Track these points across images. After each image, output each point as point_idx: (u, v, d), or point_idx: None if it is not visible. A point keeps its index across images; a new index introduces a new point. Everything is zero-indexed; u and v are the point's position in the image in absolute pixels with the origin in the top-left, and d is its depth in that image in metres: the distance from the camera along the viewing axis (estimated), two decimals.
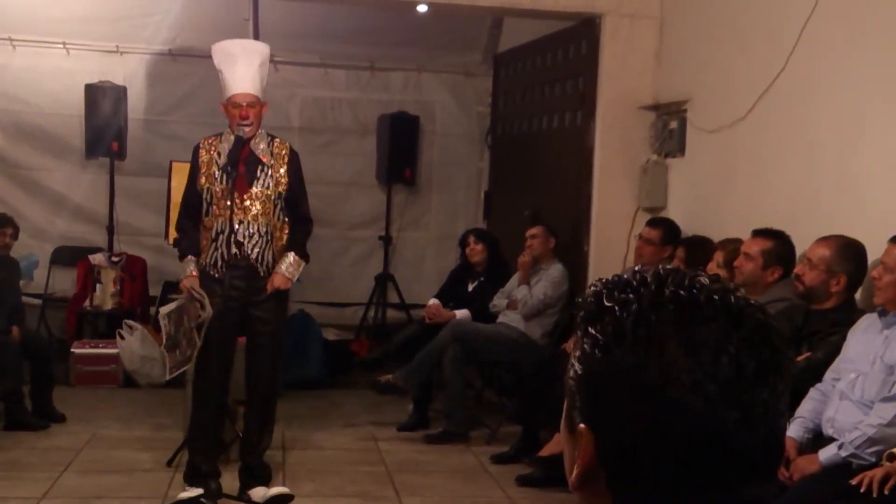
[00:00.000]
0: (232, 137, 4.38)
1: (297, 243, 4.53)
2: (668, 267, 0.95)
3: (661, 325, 0.89)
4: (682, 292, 0.91)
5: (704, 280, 0.92)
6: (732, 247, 4.36)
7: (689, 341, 0.88)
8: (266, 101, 4.49)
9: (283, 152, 4.48)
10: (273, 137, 4.53)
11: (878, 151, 3.95)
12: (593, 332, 0.92)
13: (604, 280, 0.97)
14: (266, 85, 4.50)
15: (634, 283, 0.93)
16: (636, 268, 0.97)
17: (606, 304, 0.93)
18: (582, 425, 0.93)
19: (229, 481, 4.57)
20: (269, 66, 4.53)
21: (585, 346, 0.93)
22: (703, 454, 0.88)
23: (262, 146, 4.44)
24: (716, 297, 0.90)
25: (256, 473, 4.59)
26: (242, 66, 4.37)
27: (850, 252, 3.68)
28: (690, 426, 0.87)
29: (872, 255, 3.51)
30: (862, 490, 3.00)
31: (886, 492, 2.96)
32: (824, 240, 3.76)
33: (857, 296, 3.81)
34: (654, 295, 0.91)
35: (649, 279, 0.93)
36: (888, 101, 3.89)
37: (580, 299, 0.97)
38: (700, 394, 0.87)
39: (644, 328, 0.90)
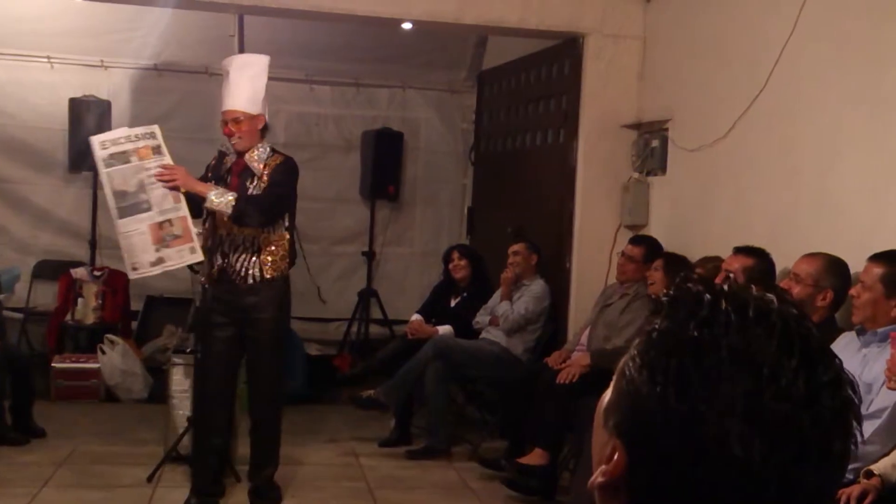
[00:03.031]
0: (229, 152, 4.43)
1: (248, 197, 4.31)
2: (778, 306, 0.86)
3: (728, 387, 0.82)
4: (763, 354, 0.83)
5: (803, 330, 0.84)
6: (712, 265, 4.40)
7: (752, 413, 0.82)
8: (261, 113, 4.46)
9: (276, 163, 4.45)
10: (274, 152, 4.51)
11: (856, 171, 4.00)
12: (659, 361, 0.85)
13: (712, 288, 0.88)
14: (264, 96, 4.48)
15: (722, 318, 0.84)
16: (745, 290, 0.88)
17: (689, 333, 0.85)
18: (618, 441, 0.89)
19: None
20: (264, 77, 4.50)
21: (646, 371, 0.86)
22: None
23: (258, 159, 4.43)
24: (799, 368, 0.83)
25: (264, 494, 4.60)
26: (231, 83, 4.40)
27: (836, 268, 3.73)
28: (727, 491, 0.83)
29: (851, 274, 3.55)
30: None
31: None
32: (811, 256, 3.80)
33: (836, 314, 3.85)
34: (734, 348, 0.83)
35: (733, 317, 0.84)
36: (866, 121, 3.94)
37: (672, 297, 0.89)
38: (746, 467, 0.82)
39: (710, 383, 0.83)
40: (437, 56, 7.85)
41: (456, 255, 6.38)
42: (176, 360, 5.24)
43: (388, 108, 8.02)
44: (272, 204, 4.39)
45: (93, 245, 7.33)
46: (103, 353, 6.55)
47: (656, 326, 0.88)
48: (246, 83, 4.40)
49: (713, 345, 0.83)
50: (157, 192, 4.07)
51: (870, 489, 3.01)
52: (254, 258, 4.40)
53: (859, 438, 0.86)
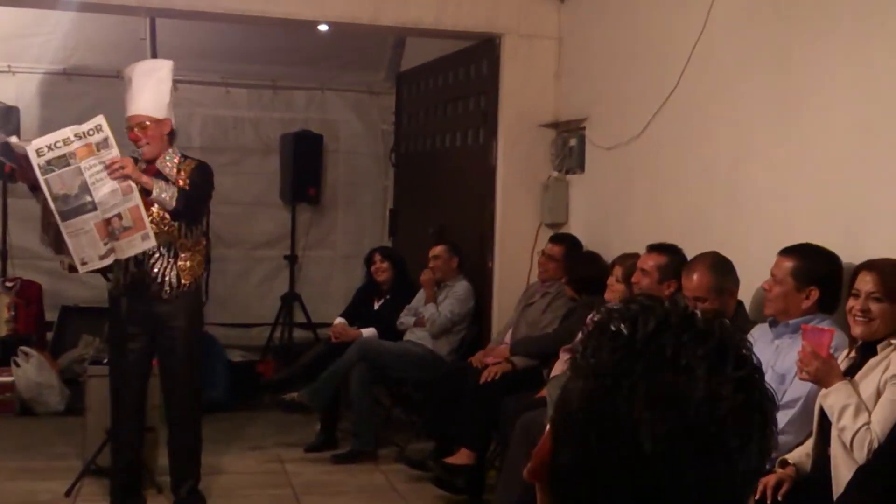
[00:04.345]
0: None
1: (186, 192, 4.27)
2: (691, 310, 0.95)
3: (633, 369, 0.90)
4: (672, 344, 0.90)
5: (715, 333, 0.92)
6: (631, 262, 4.46)
7: (653, 396, 0.89)
8: (168, 117, 4.40)
9: (190, 167, 4.40)
10: (186, 157, 4.46)
11: (766, 167, 4.09)
12: (583, 350, 0.94)
13: (633, 297, 0.99)
14: (169, 101, 4.41)
15: (638, 316, 0.93)
16: (667, 298, 0.97)
17: (610, 327, 0.93)
18: (549, 426, 0.96)
19: None
20: (169, 82, 4.44)
21: (574, 360, 0.96)
22: (628, 498, 0.89)
23: (170, 165, 4.36)
24: (709, 358, 0.90)
25: None
26: (134, 89, 4.33)
27: (724, 266, 3.84)
28: (625, 470, 0.88)
29: (764, 269, 3.62)
30: (756, 497, 3.08)
31: (780, 498, 3.06)
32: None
33: (748, 307, 3.94)
34: (647, 336, 0.91)
35: (650, 319, 0.92)
36: (776, 118, 4.04)
37: (592, 316, 0.99)
38: (640, 448, 0.88)
39: (617, 368, 0.90)
40: (355, 57, 7.82)
41: (378, 257, 6.37)
42: (93, 371, 5.13)
43: (307, 111, 7.97)
44: (202, 200, 4.39)
45: (3, 256, 7.14)
46: (17, 365, 6.38)
47: (594, 319, 0.97)
48: (150, 88, 4.33)
49: (630, 333, 0.91)
50: (104, 190, 3.96)
51: (785, 478, 3.09)
52: (171, 264, 4.33)
53: (774, 443, 0.91)
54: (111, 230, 4.03)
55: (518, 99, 5.93)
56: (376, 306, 6.35)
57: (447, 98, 6.87)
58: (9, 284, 6.84)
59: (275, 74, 7.77)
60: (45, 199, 3.98)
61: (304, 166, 7.64)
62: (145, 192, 4.12)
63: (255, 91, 7.84)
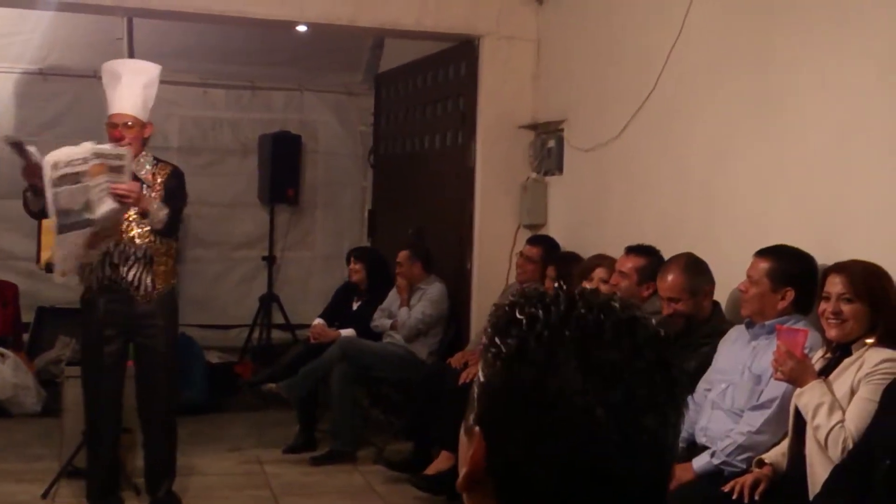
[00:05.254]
0: None
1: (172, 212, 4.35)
2: (586, 289, 0.97)
3: (562, 346, 0.91)
4: (590, 315, 0.92)
5: (616, 304, 0.94)
6: (609, 263, 4.49)
7: (586, 364, 0.90)
8: (150, 122, 4.42)
9: (165, 172, 4.43)
10: (158, 161, 4.48)
11: (743, 169, 4.13)
12: (498, 342, 0.94)
13: (521, 291, 0.99)
14: (152, 106, 4.43)
15: (547, 299, 0.94)
16: (556, 284, 1.00)
17: (517, 316, 0.94)
18: (476, 429, 0.95)
19: None
20: (156, 87, 4.46)
21: (489, 355, 0.95)
22: (586, 476, 0.89)
23: (146, 168, 4.37)
24: (622, 324, 0.92)
25: None
26: (124, 86, 4.31)
27: (697, 267, 3.87)
28: (575, 447, 0.89)
29: (740, 270, 3.65)
30: (734, 497, 3.12)
31: (757, 497, 3.09)
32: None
33: (724, 308, 3.98)
34: (563, 313, 0.93)
35: (561, 298, 0.94)
36: (753, 119, 4.07)
37: (494, 307, 0.99)
38: (588, 415, 0.89)
39: (546, 346, 0.91)
40: (334, 58, 7.82)
41: (352, 259, 6.38)
42: (70, 372, 5.10)
43: (285, 111, 7.96)
44: (180, 214, 4.48)
45: None
46: None
47: (490, 321, 0.97)
48: (139, 90, 4.33)
49: (545, 315, 0.93)
50: (103, 209, 4.01)
51: (762, 478, 3.12)
52: (146, 270, 4.34)
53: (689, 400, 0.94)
54: (95, 242, 4.10)
55: (497, 100, 5.95)
56: (355, 307, 6.34)
57: (426, 99, 6.89)
58: None
59: (253, 75, 7.75)
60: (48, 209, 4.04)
61: (282, 167, 7.64)
62: (141, 214, 4.22)
63: (234, 92, 7.82)
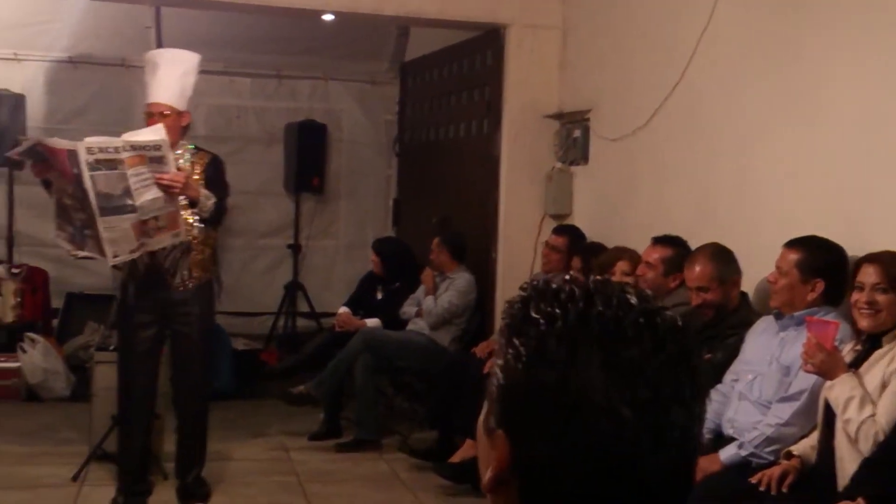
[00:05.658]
0: None
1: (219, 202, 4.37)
2: (599, 280, 0.95)
3: (583, 345, 0.89)
4: (608, 312, 0.91)
5: (633, 299, 0.92)
6: (630, 255, 4.49)
7: (609, 362, 0.89)
8: (187, 111, 4.43)
9: (204, 161, 4.44)
10: (198, 149, 4.49)
11: (772, 158, 4.11)
12: (517, 343, 0.92)
13: (532, 286, 0.96)
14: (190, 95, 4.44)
15: (563, 296, 0.93)
16: (567, 277, 0.96)
17: (532, 315, 0.92)
18: (499, 431, 0.93)
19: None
20: (194, 75, 4.46)
21: (508, 356, 0.93)
22: (614, 475, 0.88)
23: (185, 157, 4.38)
24: (641, 318, 0.91)
25: (192, 491, 4.59)
26: (161, 76, 4.34)
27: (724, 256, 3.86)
28: (603, 446, 0.88)
29: (769, 261, 3.65)
30: (761, 488, 3.12)
31: (785, 489, 3.09)
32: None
33: (752, 299, 3.97)
34: (582, 312, 0.91)
35: (578, 293, 0.92)
36: (781, 108, 4.05)
37: (507, 303, 0.97)
38: (614, 416, 0.88)
39: (567, 346, 0.90)
40: (359, 47, 7.82)
41: (372, 251, 6.42)
42: (99, 357, 5.16)
43: (311, 100, 7.97)
44: (224, 204, 4.44)
45: (10, 242, 7.15)
46: (24, 351, 6.41)
47: (505, 320, 0.96)
48: (176, 79, 4.35)
49: (563, 313, 0.91)
50: (146, 197, 3.99)
51: (790, 470, 3.12)
52: (183, 257, 4.36)
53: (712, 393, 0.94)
54: (146, 230, 4.08)
55: (522, 90, 5.94)
56: (380, 296, 6.37)
57: (451, 88, 6.89)
58: (15, 271, 6.86)
59: (279, 64, 7.77)
60: (60, 199, 4.05)
61: (307, 156, 7.66)
62: (189, 202, 4.19)
63: (259, 80, 7.84)
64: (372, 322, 6.04)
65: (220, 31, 7.08)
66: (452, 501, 4.83)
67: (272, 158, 7.88)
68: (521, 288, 0.97)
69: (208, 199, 4.25)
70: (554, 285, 0.95)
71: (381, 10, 5.79)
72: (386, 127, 8.15)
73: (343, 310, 6.27)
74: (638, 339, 0.90)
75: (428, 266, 5.93)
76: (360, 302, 6.39)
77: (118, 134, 4.17)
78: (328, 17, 6.19)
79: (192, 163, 4.40)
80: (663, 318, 0.92)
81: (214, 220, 4.40)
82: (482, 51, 6.33)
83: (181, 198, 4.12)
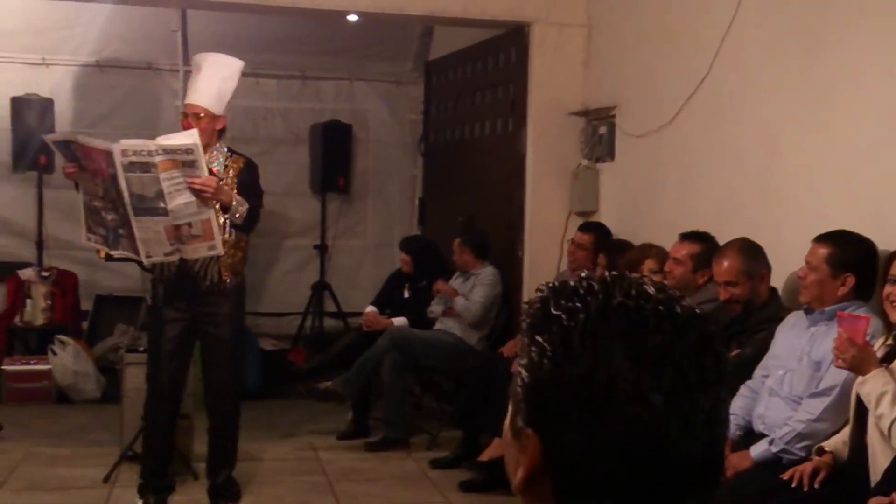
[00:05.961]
0: None
1: (252, 208, 4.37)
2: (615, 274, 0.96)
3: (607, 336, 0.90)
4: (629, 302, 0.92)
5: (650, 289, 0.93)
6: (656, 252, 4.47)
7: (634, 352, 0.89)
8: (224, 114, 4.45)
9: (238, 165, 4.45)
10: (233, 153, 4.50)
11: (798, 154, 4.08)
12: (541, 340, 0.93)
13: (550, 285, 0.97)
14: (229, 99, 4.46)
15: (581, 290, 0.93)
16: (582, 273, 0.98)
17: (553, 311, 0.93)
18: (529, 430, 0.93)
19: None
20: (235, 81, 4.49)
21: (532, 354, 0.93)
22: (646, 463, 0.89)
23: (218, 160, 4.40)
24: (661, 307, 0.92)
25: (223, 491, 4.61)
26: (202, 77, 4.38)
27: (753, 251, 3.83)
28: (635, 436, 0.88)
29: (797, 256, 3.62)
30: (793, 485, 3.09)
31: (816, 485, 3.06)
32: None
33: (782, 294, 3.93)
34: (602, 304, 0.92)
35: (596, 287, 0.93)
36: (807, 104, 4.02)
37: (526, 304, 0.97)
38: (644, 403, 0.88)
39: (591, 339, 0.90)
40: (384, 47, 7.84)
41: (400, 250, 6.43)
42: (129, 359, 5.19)
43: (336, 101, 7.99)
44: (258, 210, 4.43)
45: (39, 246, 7.23)
46: (54, 354, 6.48)
47: (526, 320, 0.96)
48: (216, 82, 4.38)
49: (584, 308, 0.92)
50: (178, 201, 4.02)
51: (822, 466, 3.09)
52: (213, 260, 4.37)
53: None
54: (179, 235, 4.10)
55: (547, 87, 5.93)
56: (406, 294, 6.38)
57: (476, 87, 6.88)
58: (45, 274, 6.93)
59: (304, 65, 7.79)
60: (89, 202, 4.10)
61: (333, 156, 7.68)
62: (222, 207, 4.20)
63: (285, 81, 7.86)
64: (399, 321, 6.05)
65: (246, 33, 7.11)
66: (481, 500, 4.83)
67: (298, 159, 7.91)
68: (538, 289, 0.98)
69: (241, 206, 4.26)
70: (571, 282, 0.96)
71: (406, 10, 5.80)
72: (411, 126, 8.16)
73: (370, 309, 6.28)
74: (659, 327, 0.91)
75: (439, 283, 5.94)
76: (387, 301, 6.40)
77: (146, 137, 4.20)
78: (353, 18, 6.20)
79: (226, 166, 4.41)
80: (682, 306, 0.93)
81: (247, 225, 4.39)
82: (506, 49, 6.32)
83: (214, 203, 4.14)
